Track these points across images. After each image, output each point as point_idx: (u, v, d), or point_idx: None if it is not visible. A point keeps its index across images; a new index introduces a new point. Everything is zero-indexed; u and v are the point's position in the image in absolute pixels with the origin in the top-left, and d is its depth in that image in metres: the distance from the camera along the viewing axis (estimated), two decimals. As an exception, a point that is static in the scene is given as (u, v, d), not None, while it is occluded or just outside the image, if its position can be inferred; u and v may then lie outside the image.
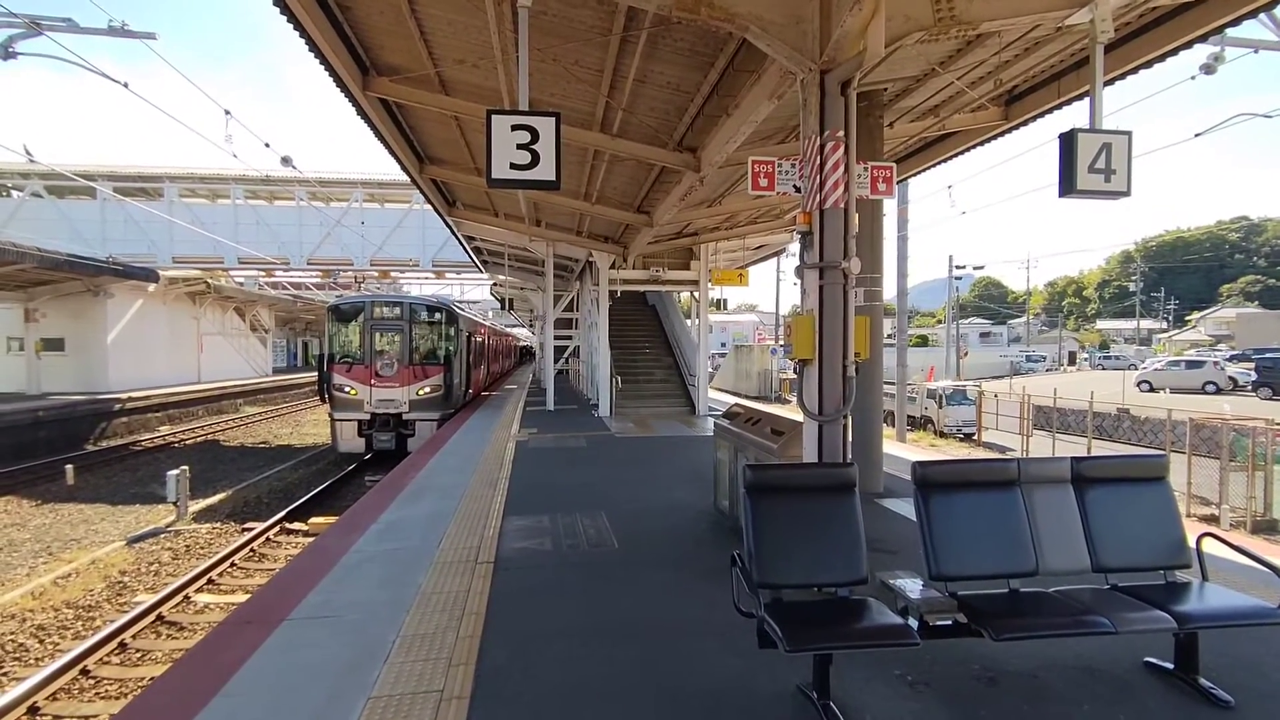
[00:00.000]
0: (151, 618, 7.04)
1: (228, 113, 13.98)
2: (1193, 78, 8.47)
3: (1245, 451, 12.55)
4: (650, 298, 22.13)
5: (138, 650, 6.50)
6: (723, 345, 52.74)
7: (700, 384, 16.30)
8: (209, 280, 27.97)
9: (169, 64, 10.33)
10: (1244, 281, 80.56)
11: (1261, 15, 5.88)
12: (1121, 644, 3.38)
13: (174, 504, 10.99)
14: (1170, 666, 3.30)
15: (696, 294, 16.67)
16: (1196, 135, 11.31)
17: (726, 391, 31.77)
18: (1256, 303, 74.04)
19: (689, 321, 20.52)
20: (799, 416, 5.03)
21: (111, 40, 11.85)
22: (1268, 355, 33.48)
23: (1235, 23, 5.60)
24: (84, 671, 5.96)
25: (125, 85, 11.16)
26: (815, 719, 2.95)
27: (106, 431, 19.54)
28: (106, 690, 5.81)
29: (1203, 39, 5.93)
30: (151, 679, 5.68)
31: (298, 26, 6.33)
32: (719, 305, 19.72)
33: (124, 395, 20.94)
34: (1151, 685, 3.25)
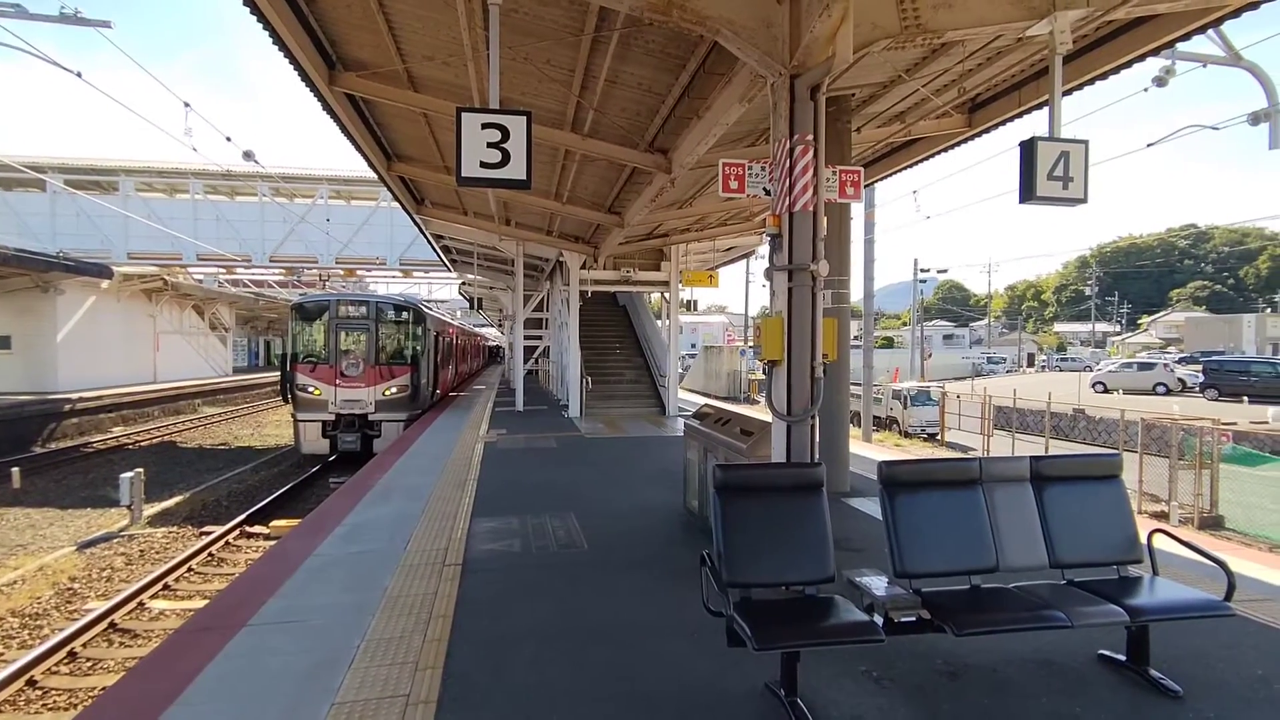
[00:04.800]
0: (103, 625, 6.79)
1: (187, 105, 13.60)
2: (1145, 90, 8.77)
3: (1193, 450, 13.03)
4: (621, 298, 22.15)
5: (88, 659, 6.27)
6: (693, 346, 52.99)
7: (670, 384, 16.35)
8: (166, 277, 27.13)
9: (124, 53, 10.01)
10: (1193, 287, 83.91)
11: (1209, 32, 6.11)
12: (1077, 637, 3.48)
13: (128, 507, 10.63)
14: (1123, 658, 3.41)
15: (667, 295, 16.72)
16: (1149, 145, 11.72)
17: (696, 392, 31.92)
18: (1204, 307, 77.18)
19: (659, 322, 20.59)
20: (768, 417, 5.08)
21: (63, 29, 11.45)
22: (1214, 358, 34.87)
23: (1185, 38, 5.82)
24: (30, 682, 5.73)
25: (79, 75, 10.78)
26: (783, 716, 2.99)
27: (56, 433, 18.83)
28: (55, 701, 5.59)
29: (1155, 53, 6.14)
30: (103, 689, 5.49)
31: (261, 19, 6.18)
32: (689, 306, 19.82)
33: (75, 395, 20.20)
34: (1105, 677, 3.36)
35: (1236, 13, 5.38)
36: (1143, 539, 3.48)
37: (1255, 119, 7.83)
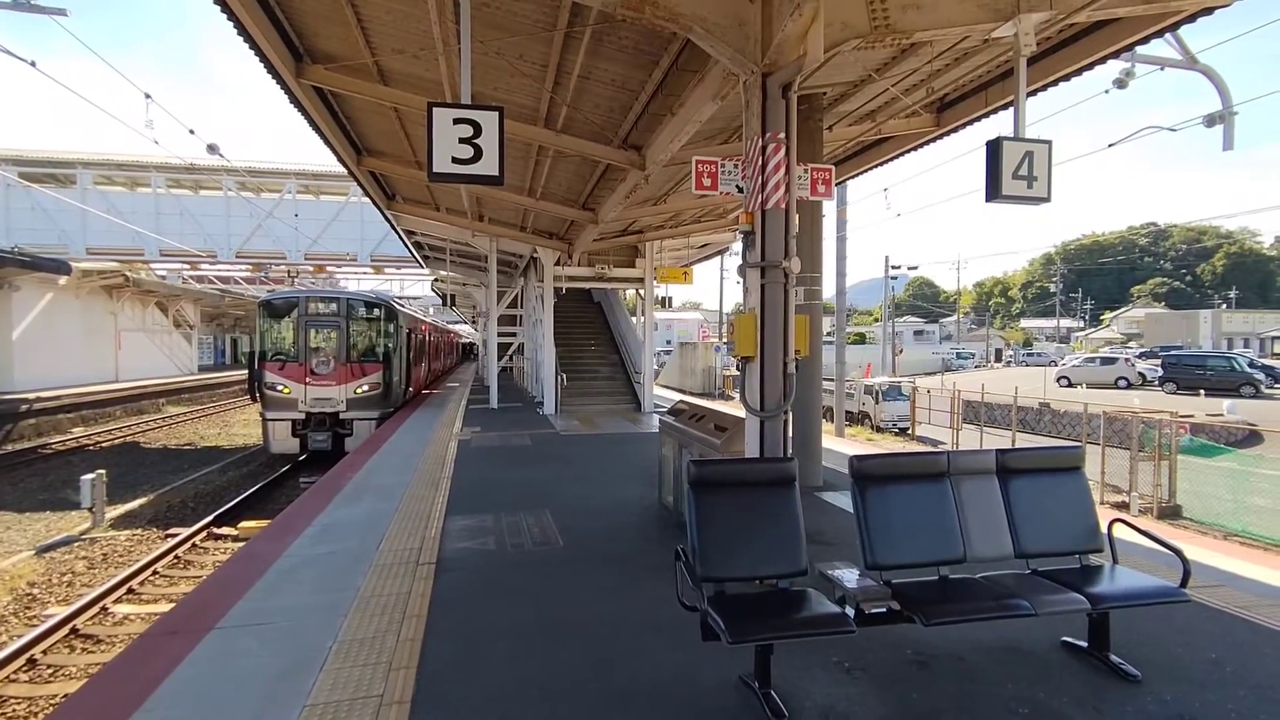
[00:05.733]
0: (65, 631, 6.61)
1: (148, 96, 13.25)
2: (1106, 91, 8.99)
3: (1152, 442, 13.43)
4: (596, 295, 22.09)
5: (49, 666, 6.10)
6: (668, 342, 53.10)
7: (645, 381, 16.37)
8: (127, 273, 26.39)
9: (81, 42, 9.72)
10: (1152, 283, 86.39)
11: (1167, 35, 6.28)
12: (1041, 625, 3.58)
13: (89, 510, 10.34)
14: (1085, 645, 3.52)
15: (642, 291, 16.73)
16: (1110, 145, 12.00)
17: (671, 388, 32.03)
18: (1163, 303, 79.54)
19: (634, 319, 20.58)
20: (742, 413, 5.12)
21: (15, 16, 11.04)
22: (1172, 352, 35.97)
23: (1143, 41, 5.98)
24: (-12, 691, 5.56)
25: (32, 64, 10.43)
26: (757, 708, 3.02)
27: (12, 434, 18.23)
28: (14, 710, 5.43)
29: (1115, 55, 6.31)
30: (65, 697, 5.35)
31: (225, 9, 6.04)
32: (664, 303, 19.81)
33: (31, 395, 19.57)
34: (1068, 663, 3.46)
35: (1192, 17, 5.55)
36: (1103, 529, 3.58)
37: (1210, 121, 8.07)
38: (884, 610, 3.15)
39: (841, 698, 3.13)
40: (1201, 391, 26.88)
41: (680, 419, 6.48)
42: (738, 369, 5.02)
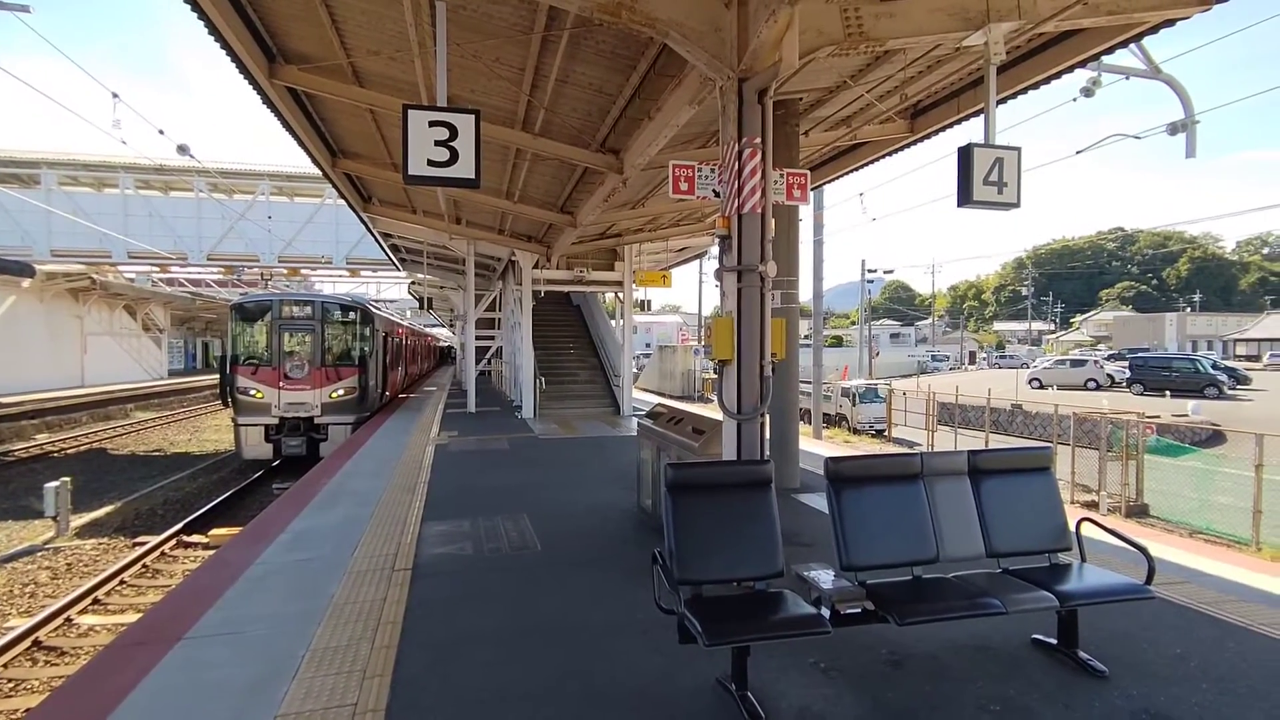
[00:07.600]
0: (27, 644, 6.42)
1: (115, 95, 12.98)
2: (1074, 99, 9.19)
3: (1120, 442, 13.74)
4: (574, 298, 22.06)
5: (9, 680, 5.92)
6: (647, 346, 53.18)
7: (624, 384, 16.37)
8: (94, 276, 25.81)
9: (46, 40, 9.49)
10: (1120, 287, 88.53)
11: (1132, 46, 6.45)
12: (1012, 623, 3.63)
13: (53, 519, 10.07)
14: (1054, 642, 3.58)
15: (621, 295, 16.75)
16: (1078, 152, 12.26)
17: (650, 391, 32.06)
18: (1130, 306, 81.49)
19: (613, 322, 20.59)
20: (719, 416, 5.14)
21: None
22: (1139, 354, 36.87)
23: (1109, 51, 6.14)
24: (-55, 707, 5.39)
25: (-6, 61, 10.17)
26: (734, 710, 3.03)
27: (-28, 441, 17.69)
28: (-28, 726, 5.28)
29: (1082, 64, 6.46)
30: (26, 711, 5.20)
31: (196, 8, 5.94)
32: (643, 306, 19.88)
33: (-7, 401, 19.04)
34: (1038, 660, 3.52)
35: (1155, 29, 5.71)
36: (1072, 527, 3.66)
37: (1173, 129, 8.29)
38: (859, 610, 3.19)
39: (817, 698, 3.15)
40: (1167, 392, 27.55)
41: (658, 422, 6.49)
42: (715, 372, 5.05)
